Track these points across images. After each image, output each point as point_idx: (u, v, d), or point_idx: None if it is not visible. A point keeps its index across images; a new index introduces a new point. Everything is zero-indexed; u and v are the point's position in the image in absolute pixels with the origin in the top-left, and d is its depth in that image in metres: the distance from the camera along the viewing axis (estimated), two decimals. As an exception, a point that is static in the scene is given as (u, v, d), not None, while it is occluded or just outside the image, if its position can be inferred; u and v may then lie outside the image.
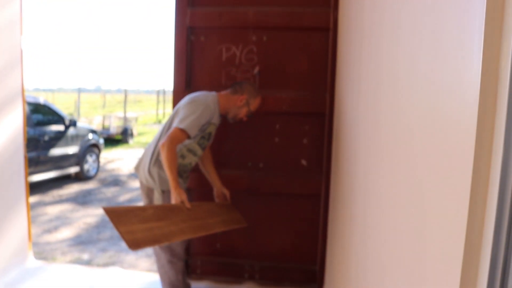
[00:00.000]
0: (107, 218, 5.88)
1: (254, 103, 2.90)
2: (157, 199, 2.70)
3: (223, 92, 2.87)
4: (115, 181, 8.63)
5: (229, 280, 3.35)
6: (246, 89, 2.86)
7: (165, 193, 2.69)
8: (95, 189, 7.86)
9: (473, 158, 0.61)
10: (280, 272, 3.42)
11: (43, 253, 4.57)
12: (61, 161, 7.79)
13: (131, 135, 15.06)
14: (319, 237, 3.30)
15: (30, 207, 5.90)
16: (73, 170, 8.23)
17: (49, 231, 5.38)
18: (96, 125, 15.08)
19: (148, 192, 2.75)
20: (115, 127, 14.77)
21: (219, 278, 3.32)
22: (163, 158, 2.56)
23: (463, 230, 0.62)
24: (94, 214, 6.24)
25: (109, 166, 10.30)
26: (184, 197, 2.55)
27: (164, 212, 2.39)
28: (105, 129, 14.72)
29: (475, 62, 0.61)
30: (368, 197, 1.45)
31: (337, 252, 2.45)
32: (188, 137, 2.60)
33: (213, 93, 2.82)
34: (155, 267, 4.26)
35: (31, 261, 3.77)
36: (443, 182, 0.72)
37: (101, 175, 9.17)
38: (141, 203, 6.42)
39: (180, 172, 2.75)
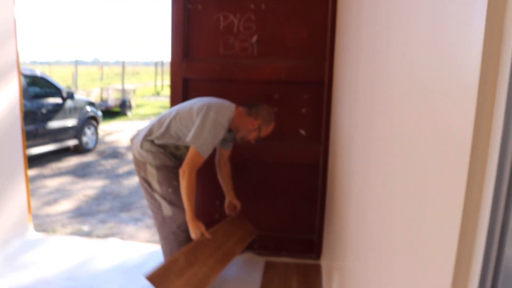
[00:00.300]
0: (106, 191, 5.91)
1: (266, 130, 2.82)
2: (151, 173, 2.70)
3: (240, 108, 2.76)
4: (114, 154, 8.63)
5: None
6: (261, 115, 2.76)
7: (159, 167, 2.69)
8: (94, 162, 7.87)
9: (473, 125, 0.58)
10: (278, 241, 3.44)
11: (43, 225, 4.60)
12: (60, 133, 7.77)
13: (130, 107, 15.00)
14: (317, 206, 3.31)
15: (30, 180, 5.91)
16: (72, 142, 8.21)
17: (49, 203, 5.40)
18: (94, 98, 14.96)
19: (140, 165, 2.74)
20: (113, 99, 14.69)
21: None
22: (183, 187, 2.56)
23: (462, 194, 0.60)
24: (93, 186, 6.25)
25: (108, 139, 10.29)
26: (202, 229, 2.61)
27: (192, 254, 2.45)
28: (103, 101, 14.63)
29: (478, 28, 0.58)
30: (366, 166, 1.44)
31: (335, 221, 2.45)
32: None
33: (232, 108, 2.71)
34: (154, 238, 4.30)
35: (32, 233, 3.79)
36: (442, 146, 0.70)
37: (100, 147, 9.17)
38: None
39: (174, 153, 2.75)
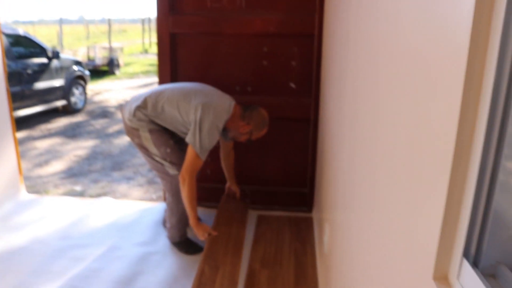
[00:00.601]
0: (97, 150, 5.88)
1: (257, 134, 2.79)
2: (146, 138, 2.67)
3: (237, 108, 2.71)
4: (104, 113, 8.54)
5: (211, 205, 3.40)
6: (254, 120, 2.71)
7: (152, 130, 2.66)
8: (84, 122, 7.79)
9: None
10: (270, 195, 3.47)
11: (35, 186, 4.59)
12: (47, 94, 7.63)
13: (118, 65, 14.73)
14: (308, 160, 3.32)
15: (19, 142, 5.85)
16: (60, 103, 8.08)
17: (40, 165, 5.38)
18: (81, 57, 14.67)
19: (132, 132, 2.71)
20: (100, 58, 14.41)
21: (210, 203, 3.37)
22: (184, 195, 2.58)
23: (453, 138, 0.59)
24: (84, 146, 6.22)
25: (97, 98, 10.16)
26: (208, 229, 2.65)
27: (212, 258, 2.47)
28: (90, 60, 14.36)
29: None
30: (356, 120, 1.42)
31: (326, 174, 2.46)
32: None
33: (230, 110, 2.64)
34: (147, 196, 4.32)
35: (24, 195, 3.78)
36: (432, 95, 0.68)
37: (89, 107, 9.06)
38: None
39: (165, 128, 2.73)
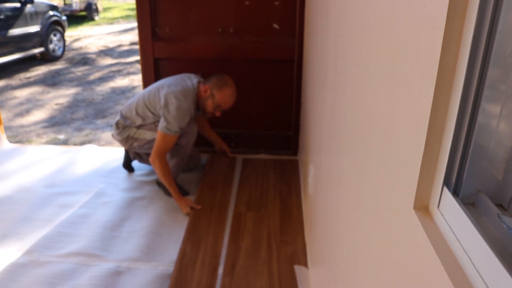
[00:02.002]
0: (79, 98, 5.78)
1: (219, 96, 2.72)
2: (139, 133, 2.81)
3: (202, 82, 2.77)
4: (84, 60, 8.32)
5: (205, 150, 3.40)
6: (212, 80, 2.73)
7: (138, 127, 2.80)
8: (64, 69, 7.59)
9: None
10: (255, 139, 3.46)
11: (17, 136, 4.53)
12: (23, 41, 7.36)
13: (96, 10, 14.21)
14: (293, 103, 3.30)
15: (-3, 91, 5.71)
16: (38, 50, 7.82)
17: (21, 114, 5.27)
18: (57, 2, 14.10)
19: (127, 141, 2.86)
20: (77, 2, 13.85)
21: (200, 148, 3.35)
22: (159, 175, 2.69)
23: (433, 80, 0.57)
24: (65, 94, 6.09)
25: (76, 45, 9.86)
26: (190, 202, 2.72)
27: (194, 235, 2.47)
28: (67, 5, 13.82)
29: None
30: (339, 59, 1.39)
31: (310, 117, 2.45)
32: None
33: (195, 87, 2.71)
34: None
35: (6, 144, 3.73)
36: (415, 32, 0.65)
37: (68, 54, 8.81)
38: (113, 83, 6.28)
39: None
